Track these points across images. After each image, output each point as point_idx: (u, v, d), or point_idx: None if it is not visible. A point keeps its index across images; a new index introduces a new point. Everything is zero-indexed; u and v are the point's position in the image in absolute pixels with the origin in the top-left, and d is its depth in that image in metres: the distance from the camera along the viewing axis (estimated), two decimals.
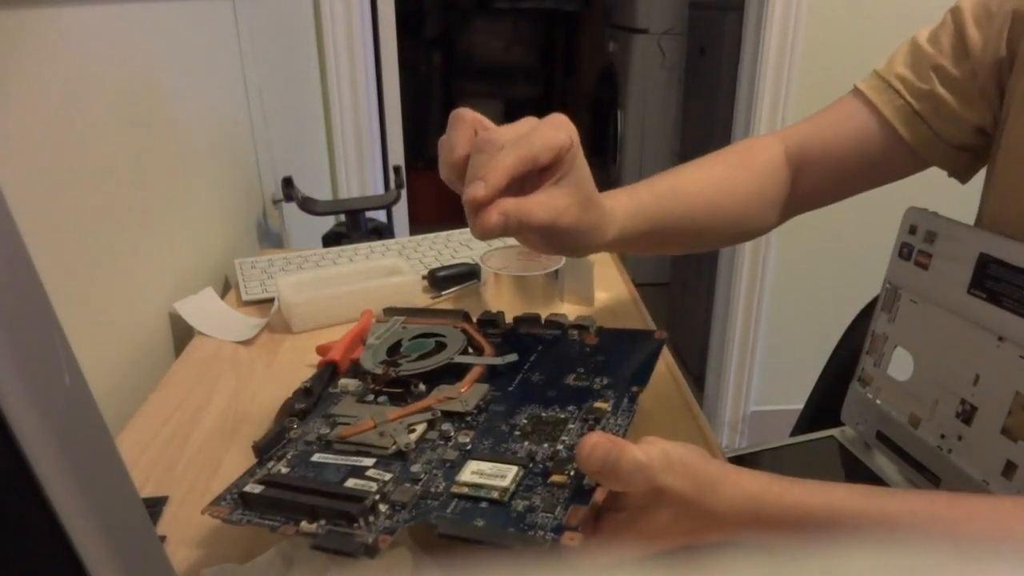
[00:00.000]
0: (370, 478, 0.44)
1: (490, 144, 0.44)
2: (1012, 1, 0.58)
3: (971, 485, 0.61)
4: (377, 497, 0.41)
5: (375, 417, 0.49)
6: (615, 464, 0.38)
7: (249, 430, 0.62)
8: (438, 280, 0.89)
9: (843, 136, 0.65)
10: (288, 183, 1.16)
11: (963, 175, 0.67)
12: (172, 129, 0.87)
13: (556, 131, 0.46)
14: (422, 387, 0.53)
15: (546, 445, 0.46)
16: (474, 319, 0.62)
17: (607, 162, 3.04)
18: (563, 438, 0.46)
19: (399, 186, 1.31)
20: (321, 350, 0.70)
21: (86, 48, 0.67)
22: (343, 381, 0.56)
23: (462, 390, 0.52)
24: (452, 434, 0.48)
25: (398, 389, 0.53)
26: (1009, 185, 0.60)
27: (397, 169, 1.37)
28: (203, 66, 0.99)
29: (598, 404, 0.49)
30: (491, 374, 0.55)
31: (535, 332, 0.60)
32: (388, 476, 0.44)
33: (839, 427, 0.82)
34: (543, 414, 0.49)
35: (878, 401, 0.74)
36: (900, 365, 0.71)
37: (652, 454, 0.39)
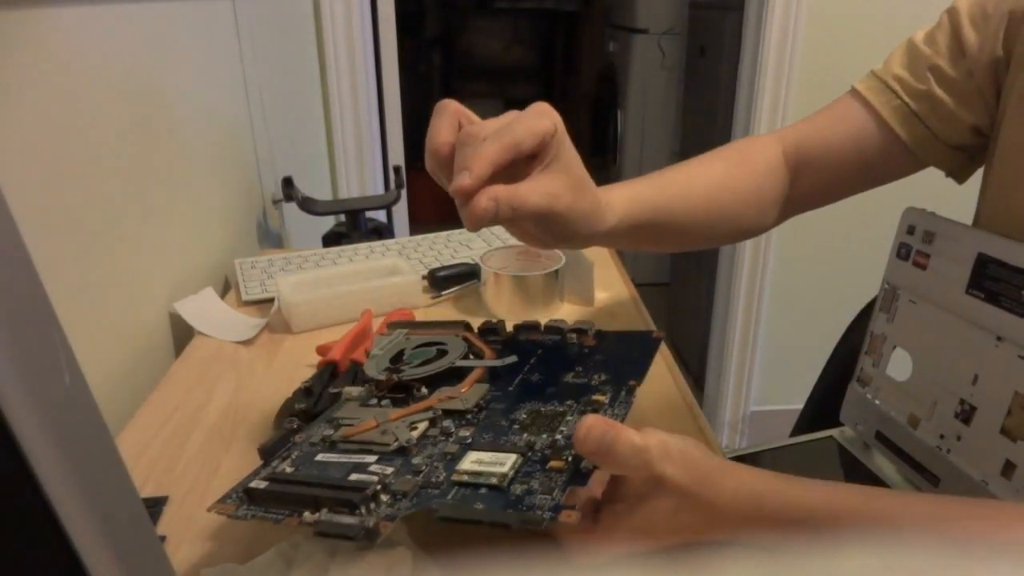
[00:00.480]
0: (372, 472, 0.44)
1: (472, 137, 0.44)
2: (1008, 2, 0.59)
3: (970, 485, 0.61)
4: (379, 487, 0.42)
5: (378, 417, 0.50)
6: (611, 444, 0.38)
7: (249, 430, 0.62)
8: (438, 280, 0.89)
9: (841, 136, 0.66)
10: (288, 183, 1.16)
11: (960, 175, 0.67)
12: (172, 129, 0.87)
13: (538, 118, 0.46)
14: (424, 391, 0.54)
15: (544, 435, 0.46)
16: (475, 328, 0.63)
17: (607, 162, 3.04)
18: (561, 428, 0.47)
19: (399, 186, 1.31)
20: (321, 350, 0.70)
21: (86, 48, 0.67)
22: (347, 388, 0.56)
23: (463, 390, 0.53)
24: (453, 430, 0.49)
25: (400, 394, 0.54)
26: (1006, 185, 0.60)
27: (397, 169, 1.37)
28: (203, 66, 0.99)
29: (596, 396, 0.50)
30: (492, 376, 0.55)
31: (535, 338, 0.61)
32: (390, 470, 0.45)
33: (838, 427, 0.82)
34: (542, 408, 0.50)
35: (877, 401, 0.74)
36: (899, 365, 0.71)
37: (650, 441, 0.39)
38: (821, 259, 1.87)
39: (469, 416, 0.50)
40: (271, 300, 0.85)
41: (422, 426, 0.49)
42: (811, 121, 0.68)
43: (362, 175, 1.75)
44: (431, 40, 3.83)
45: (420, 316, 0.82)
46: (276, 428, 0.61)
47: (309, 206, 1.18)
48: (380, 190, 1.80)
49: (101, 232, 0.69)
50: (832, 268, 1.87)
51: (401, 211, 1.87)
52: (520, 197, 0.45)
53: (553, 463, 0.43)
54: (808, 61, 1.68)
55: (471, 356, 0.58)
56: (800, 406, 0.97)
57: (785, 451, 0.83)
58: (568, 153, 0.48)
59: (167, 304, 0.82)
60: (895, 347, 0.71)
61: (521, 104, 0.47)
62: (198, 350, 0.77)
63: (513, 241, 0.95)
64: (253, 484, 0.44)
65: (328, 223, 1.30)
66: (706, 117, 2.18)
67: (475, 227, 0.44)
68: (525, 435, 0.47)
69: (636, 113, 2.81)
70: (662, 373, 0.70)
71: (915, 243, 0.68)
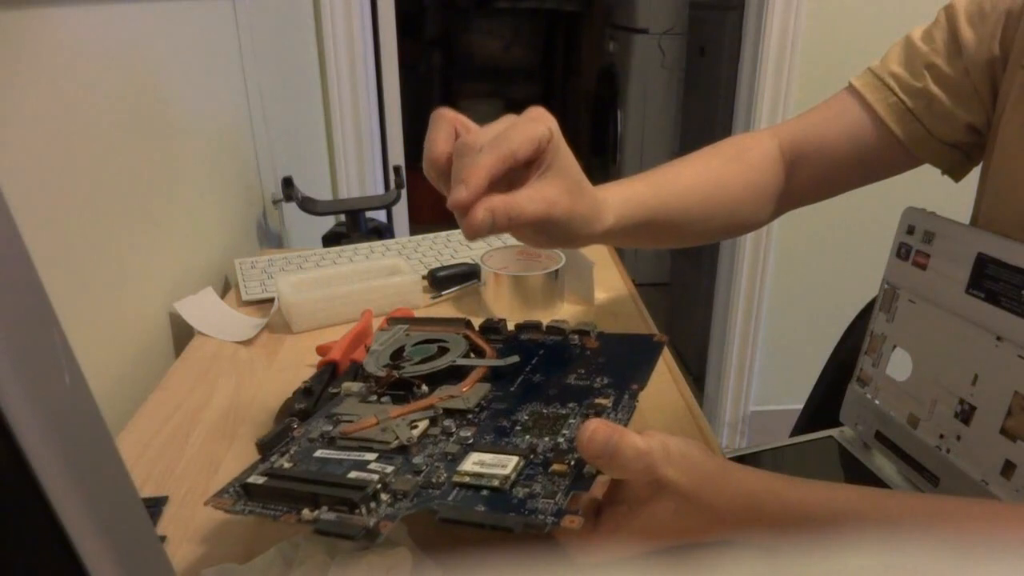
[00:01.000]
0: (372, 471, 0.44)
1: (468, 147, 0.44)
2: (1006, 0, 0.59)
3: (970, 485, 0.61)
4: (379, 486, 0.42)
5: (377, 415, 0.50)
6: (615, 449, 0.38)
7: (249, 430, 0.62)
8: (438, 280, 0.89)
9: (837, 132, 0.66)
10: (288, 183, 1.16)
11: (955, 173, 0.67)
12: (172, 129, 0.87)
13: (534, 124, 0.46)
14: (424, 388, 0.54)
15: (547, 438, 0.46)
16: (476, 327, 0.63)
17: (607, 162, 3.04)
18: (564, 431, 0.47)
19: (399, 186, 1.31)
20: (321, 350, 0.70)
21: (86, 48, 0.67)
22: (346, 384, 0.56)
23: (464, 389, 0.52)
24: (454, 430, 0.48)
25: (400, 392, 0.54)
26: (1003, 184, 0.60)
27: (397, 169, 1.37)
28: (203, 66, 0.99)
29: (599, 400, 0.49)
30: (493, 376, 0.55)
31: (537, 338, 0.61)
32: (390, 469, 0.44)
33: (838, 427, 0.82)
34: (544, 410, 0.49)
35: (877, 401, 0.74)
36: (899, 365, 0.71)
37: (652, 444, 0.39)
38: (821, 259, 1.87)
39: (470, 416, 0.50)
40: (271, 300, 0.85)
41: (423, 425, 0.49)
42: (807, 116, 0.68)
43: (362, 175, 1.75)
44: (431, 40, 3.83)
45: (420, 316, 0.82)
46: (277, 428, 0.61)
47: (309, 206, 1.18)
48: (380, 190, 1.80)
49: (101, 232, 0.69)
50: (832, 268, 1.87)
51: (401, 211, 1.87)
52: (517, 207, 0.45)
53: (556, 467, 0.43)
54: (808, 61, 1.68)
55: (472, 355, 0.57)
56: (800, 406, 0.97)
57: (785, 451, 0.83)
58: (565, 157, 0.48)
59: (167, 304, 0.82)
60: (895, 347, 0.71)
61: (521, 105, 0.47)
62: (198, 350, 0.77)
63: (513, 241, 0.95)
64: (251, 480, 0.44)
65: (328, 223, 1.30)
66: (706, 117, 2.18)
67: (473, 238, 0.44)
68: (527, 437, 0.46)
69: (636, 113, 2.81)
70: (662, 373, 0.70)
71: (915, 243, 0.68)
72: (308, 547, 0.44)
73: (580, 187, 0.49)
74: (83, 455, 0.19)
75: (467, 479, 0.42)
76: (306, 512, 0.41)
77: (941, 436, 0.65)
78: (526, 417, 0.49)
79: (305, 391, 0.61)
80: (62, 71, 0.63)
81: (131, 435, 0.62)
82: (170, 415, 0.65)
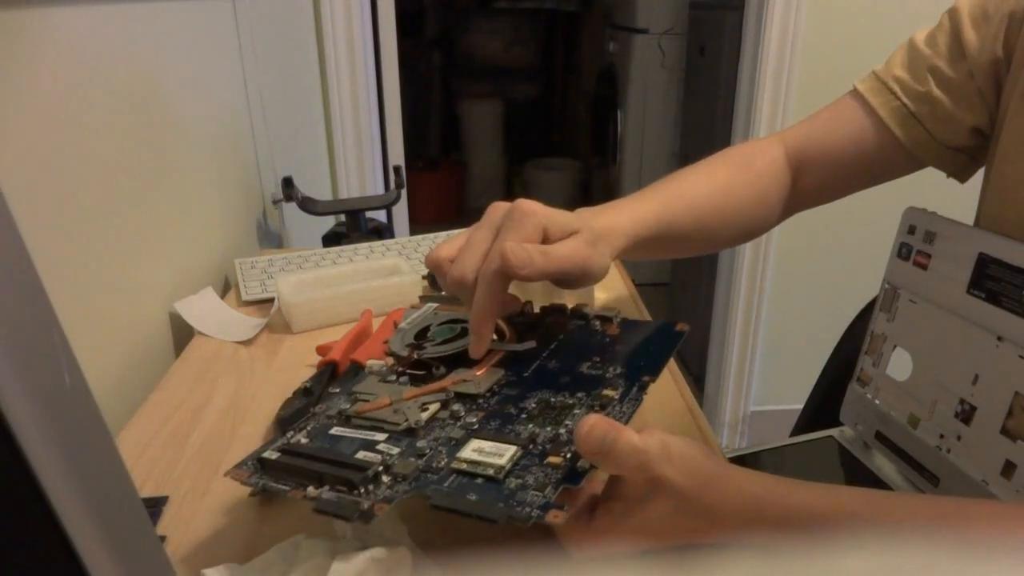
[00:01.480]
0: (379, 451, 0.45)
1: (463, 288, 0.50)
2: (1009, 3, 0.59)
3: (970, 485, 0.61)
4: (380, 468, 0.43)
5: (392, 395, 0.51)
6: (611, 445, 0.38)
7: (249, 430, 0.62)
8: (438, 280, 0.88)
9: (841, 136, 0.66)
10: (288, 183, 1.16)
11: (961, 175, 0.67)
12: (172, 129, 0.87)
13: (514, 247, 0.48)
14: (443, 370, 0.54)
15: (549, 428, 0.46)
16: None
17: (607, 162, 3.04)
18: (567, 422, 0.47)
19: (399, 186, 1.31)
20: (321, 350, 0.70)
21: (86, 48, 0.67)
22: (370, 362, 0.57)
23: (477, 373, 0.53)
24: (462, 414, 0.49)
25: (420, 372, 0.54)
26: (1007, 185, 0.60)
27: (397, 169, 1.37)
28: (203, 66, 0.99)
29: (607, 392, 0.49)
30: (510, 360, 0.55)
31: (560, 321, 0.61)
32: (396, 450, 0.45)
33: (838, 427, 0.82)
34: (552, 399, 0.50)
35: (877, 401, 0.74)
36: (899, 365, 0.71)
37: (650, 442, 0.39)
38: (821, 259, 1.87)
39: (480, 401, 0.50)
40: (271, 300, 0.85)
41: (433, 407, 0.49)
42: (812, 121, 0.68)
43: (362, 175, 1.75)
44: (431, 40, 3.83)
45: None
46: (276, 428, 0.61)
47: (309, 206, 1.18)
48: (380, 190, 1.80)
49: (101, 232, 0.69)
50: (832, 268, 1.87)
51: (401, 211, 1.87)
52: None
53: (551, 459, 0.43)
54: (808, 61, 1.68)
55: (494, 337, 0.58)
56: (800, 406, 0.97)
57: (785, 451, 0.82)
58: (560, 228, 0.51)
59: (167, 304, 0.82)
60: (895, 347, 0.71)
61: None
62: (198, 350, 0.77)
63: None
64: (266, 454, 0.45)
65: (328, 223, 1.30)
66: (706, 117, 2.18)
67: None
68: (530, 426, 0.47)
69: (636, 113, 2.81)
70: (662, 373, 0.70)
71: (916, 243, 0.68)
72: (308, 547, 0.44)
73: (585, 239, 0.52)
74: (83, 455, 0.19)
75: (464, 466, 0.43)
76: (311, 489, 0.42)
77: (941, 436, 0.65)
78: (533, 405, 0.49)
79: (305, 391, 0.61)
80: (62, 71, 0.63)
81: (131, 435, 0.62)
82: (170, 415, 0.65)
